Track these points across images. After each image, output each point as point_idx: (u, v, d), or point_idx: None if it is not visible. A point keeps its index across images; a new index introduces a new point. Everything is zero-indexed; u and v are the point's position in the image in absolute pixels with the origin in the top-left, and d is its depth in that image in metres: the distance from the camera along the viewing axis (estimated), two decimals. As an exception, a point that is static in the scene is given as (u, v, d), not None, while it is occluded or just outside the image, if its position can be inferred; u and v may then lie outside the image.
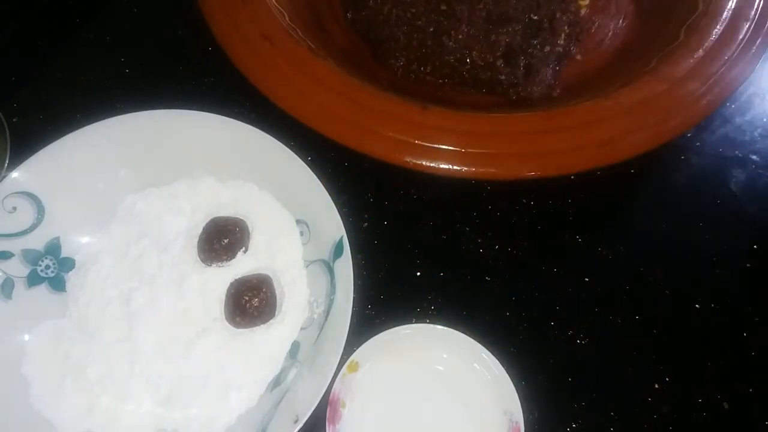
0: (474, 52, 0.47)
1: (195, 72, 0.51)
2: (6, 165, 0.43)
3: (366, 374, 0.39)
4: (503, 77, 0.47)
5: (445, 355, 0.39)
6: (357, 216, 0.44)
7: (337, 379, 0.37)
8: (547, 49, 0.48)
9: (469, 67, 0.47)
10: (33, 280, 0.40)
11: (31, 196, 0.40)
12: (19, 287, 0.39)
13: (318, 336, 0.37)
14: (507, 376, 0.38)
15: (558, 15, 0.49)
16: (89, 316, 0.39)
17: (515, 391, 0.37)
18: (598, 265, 0.44)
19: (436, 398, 0.39)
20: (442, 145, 0.39)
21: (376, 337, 0.39)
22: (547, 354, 0.41)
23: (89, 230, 0.42)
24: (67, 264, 0.41)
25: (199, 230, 0.40)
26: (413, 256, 0.43)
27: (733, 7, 0.44)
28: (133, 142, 0.42)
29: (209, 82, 0.50)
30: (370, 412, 0.38)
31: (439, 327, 0.39)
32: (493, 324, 0.41)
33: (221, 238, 0.39)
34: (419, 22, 0.49)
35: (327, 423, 0.37)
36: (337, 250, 0.38)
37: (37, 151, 0.40)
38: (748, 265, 0.44)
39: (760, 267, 0.44)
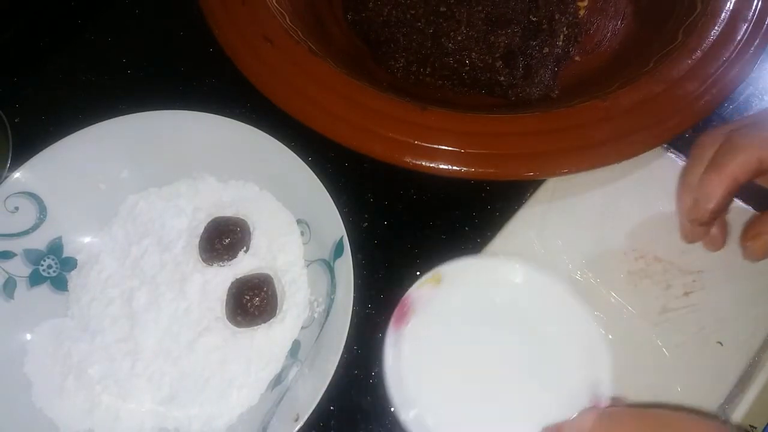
0: (473, 54, 0.47)
1: (196, 73, 0.51)
2: (8, 165, 0.44)
3: (446, 291, 0.36)
4: (502, 78, 0.47)
5: (537, 304, 0.36)
6: (357, 216, 0.44)
7: (415, 285, 0.35)
8: (546, 50, 0.48)
9: (468, 68, 0.48)
10: (35, 279, 0.40)
11: (33, 196, 0.40)
12: (21, 287, 0.39)
13: (318, 335, 0.38)
14: (605, 345, 0.34)
15: (557, 16, 0.49)
16: (91, 316, 0.39)
17: (611, 364, 0.33)
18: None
19: (512, 343, 0.35)
20: (442, 145, 0.39)
21: (469, 258, 0.36)
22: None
23: (91, 230, 0.42)
24: (69, 264, 0.41)
25: (201, 230, 0.41)
26: (413, 256, 0.44)
27: (731, 8, 0.45)
28: (135, 143, 0.42)
29: (210, 83, 0.51)
30: (437, 331, 0.35)
31: (547, 277, 0.36)
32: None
33: (222, 238, 0.40)
34: (419, 24, 0.49)
35: (392, 321, 0.34)
36: (338, 250, 0.38)
37: (38, 151, 0.40)
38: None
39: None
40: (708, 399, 0.37)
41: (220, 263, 0.40)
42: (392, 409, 0.34)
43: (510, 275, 0.36)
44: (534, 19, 0.49)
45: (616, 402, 0.34)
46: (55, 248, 0.41)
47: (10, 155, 0.45)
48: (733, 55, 0.43)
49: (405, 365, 0.35)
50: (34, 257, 0.40)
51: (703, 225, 0.38)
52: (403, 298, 0.35)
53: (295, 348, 0.39)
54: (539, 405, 0.34)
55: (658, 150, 0.44)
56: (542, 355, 0.35)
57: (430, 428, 0.33)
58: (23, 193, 0.40)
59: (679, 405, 0.36)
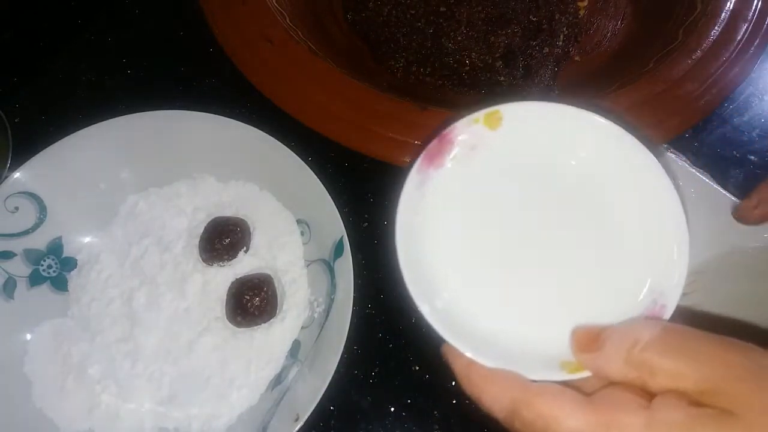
0: (473, 54, 0.47)
1: (196, 73, 0.51)
2: (8, 165, 0.44)
3: (503, 138, 0.28)
4: (502, 78, 0.47)
5: (617, 178, 0.27)
6: (357, 216, 0.44)
7: (463, 120, 0.28)
8: (546, 50, 0.48)
9: (468, 68, 0.48)
10: (35, 279, 0.40)
11: (33, 197, 0.40)
12: (21, 287, 0.39)
13: (318, 335, 0.38)
14: (684, 244, 0.25)
15: (557, 16, 0.49)
16: (91, 316, 0.39)
17: (684, 269, 0.25)
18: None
19: (570, 219, 0.27)
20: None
21: (542, 103, 0.28)
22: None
23: (91, 230, 0.42)
24: (69, 264, 0.41)
25: (201, 230, 0.41)
26: (413, 255, 0.44)
27: (731, 8, 0.44)
28: (135, 143, 0.42)
29: (210, 82, 0.51)
30: (479, 186, 0.28)
31: (640, 148, 0.27)
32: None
33: (222, 238, 0.40)
34: (419, 24, 0.49)
35: (422, 156, 0.27)
36: (338, 250, 0.38)
37: (39, 151, 0.40)
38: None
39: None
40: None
41: (220, 263, 0.40)
42: (397, 260, 0.26)
43: (592, 133, 0.28)
44: (534, 19, 0.49)
45: (679, 318, 0.25)
46: (55, 248, 0.41)
47: (10, 155, 0.45)
48: (733, 55, 0.43)
49: (427, 219, 0.27)
50: (34, 257, 0.40)
51: None
52: (445, 131, 0.27)
53: (295, 348, 0.39)
54: (585, 299, 0.26)
55: (657, 150, 0.44)
56: (604, 240, 0.27)
57: (437, 292, 0.26)
58: (23, 193, 0.40)
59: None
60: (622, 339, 0.23)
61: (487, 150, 0.28)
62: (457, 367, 0.25)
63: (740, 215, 0.35)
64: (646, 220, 0.27)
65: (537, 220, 0.28)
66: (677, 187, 0.26)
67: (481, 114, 0.28)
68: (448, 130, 0.28)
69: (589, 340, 0.24)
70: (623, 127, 0.28)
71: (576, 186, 0.28)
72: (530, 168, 0.28)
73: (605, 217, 0.27)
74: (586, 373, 0.24)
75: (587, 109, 0.28)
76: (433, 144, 0.27)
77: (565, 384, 0.24)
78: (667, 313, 0.25)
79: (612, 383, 0.23)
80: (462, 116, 0.28)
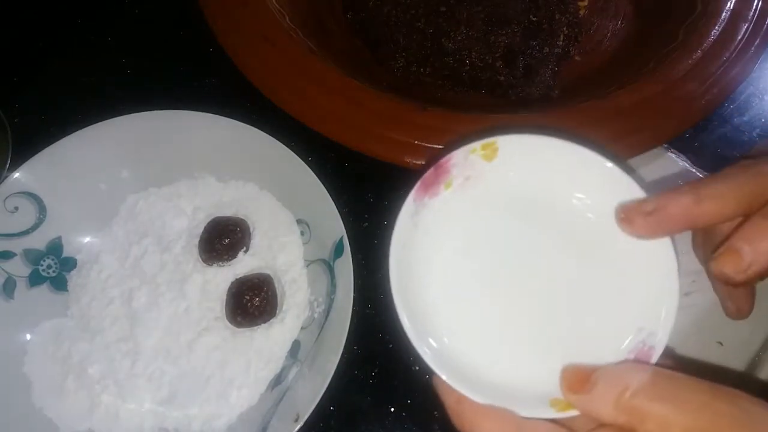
0: (473, 54, 0.47)
1: (196, 73, 0.51)
2: (8, 165, 0.44)
3: (497, 170, 0.28)
4: (502, 78, 0.47)
5: (603, 213, 0.27)
6: (357, 216, 0.44)
7: (460, 150, 0.27)
8: (546, 50, 0.48)
9: (468, 68, 0.48)
10: (35, 279, 0.40)
11: (33, 196, 0.40)
12: (21, 287, 0.39)
13: (318, 335, 0.38)
14: (675, 289, 0.25)
15: (557, 16, 0.49)
16: (91, 316, 0.39)
17: (675, 312, 0.25)
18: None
19: (565, 255, 0.27)
20: (442, 145, 0.39)
21: (541, 136, 0.27)
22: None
23: (91, 230, 0.42)
24: (69, 264, 0.41)
25: (201, 230, 0.41)
26: (413, 255, 0.44)
27: (731, 8, 0.44)
28: (135, 143, 0.42)
29: (210, 82, 0.51)
30: (473, 218, 0.28)
31: (635, 185, 0.27)
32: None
33: (222, 238, 0.40)
34: (418, 24, 0.49)
35: (418, 185, 0.27)
36: (338, 250, 0.38)
37: (38, 151, 0.40)
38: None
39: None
40: (708, 399, 0.37)
41: (220, 263, 0.40)
42: (390, 289, 0.26)
43: (588, 171, 0.27)
44: (534, 18, 0.49)
45: (666, 359, 0.26)
46: (55, 248, 0.41)
47: (10, 155, 0.45)
48: (734, 55, 0.43)
49: (421, 246, 0.27)
50: (34, 257, 0.40)
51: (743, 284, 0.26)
52: (441, 160, 0.27)
53: (295, 348, 0.39)
54: (570, 337, 0.26)
55: (658, 150, 0.44)
56: (595, 278, 0.27)
57: (431, 329, 0.26)
58: (23, 193, 0.40)
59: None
60: (612, 383, 0.23)
61: (481, 181, 0.28)
62: (449, 402, 0.26)
63: (624, 216, 0.26)
64: (638, 261, 0.26)
65: (529, 256, 0.28)
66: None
67: (478, 144, 0.28)
68: (444, 159, 0.27)
69: (578, 380, 0.24)
70: (621, 168, 0.27)
71: (569, 223, 0.28)
72: (524, 202, 0.28)
73: (597, 255, 0.27)
74: (575, 412, 0.24)
75: (584, 145, 0.27)
76: (430, 173, 0.27)
77: (555, 422, 0.24)
78: (656, 355, 0.25)
79: (602, 424, 0.24)
80: (459, 145, 0.28)
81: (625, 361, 0.25)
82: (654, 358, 0.25)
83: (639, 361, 0.25)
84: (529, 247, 0.28)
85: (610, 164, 0.27)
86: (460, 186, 0.28)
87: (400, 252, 0.27)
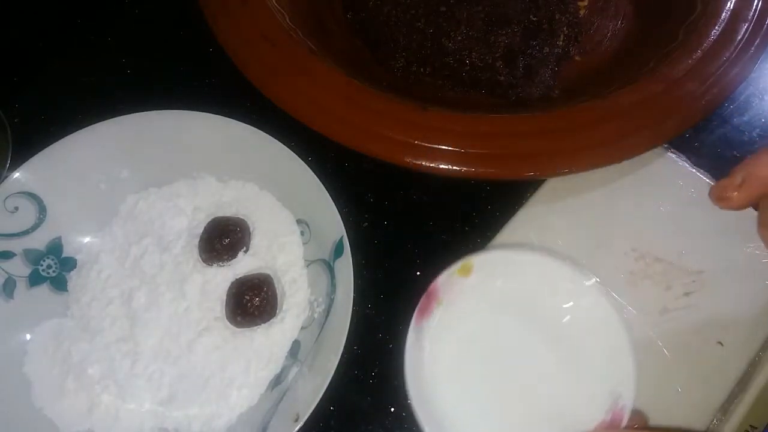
0: (473, 54, 0.47)
1: (196, 73, 0.51)
2: (8, 165, 0.44)
3: (475, 284, 0.34)
4: (502, 78, 0.47)
5: (571, 304, 0.35)
6: (357, 216, 0.44)
7: (443, 274, 0.34)
8: (546, 50, 0.48)
9: (468, 68, 0.48)
10: (34, 279, 0.40)
11: (33, 196, 0.40)
12: (21, 287, 0.39)
13: (318, 335, 0.38)
14: (631, 354, 0.32)
15: (557, 16, 0.49)
16: (91, 316, 0.39)
17: (635, 374, 0.32)
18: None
19: (539, 342, 0.34)
20: (442, 145, 0.39)
21: (504, 250, 0.35)
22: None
23: (91, 230, 0.42)
24: (69, 264, 0.41)
25: (201, 230, 0.41)
26: (413, 256, 0.44)
27: (731, 8, 0.44)
28: (135, 143, 0.42)
29: (210, 82, 0.51)
30: (462, 326, 0.34)
31: (584, 277, 0.34)
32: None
33: (222, 238, 0.40)
34: (419, 24, 0.49)
35: (416, 311, 0.33)
36: (338, 250, 0.38)
37: (38, 151, 0.40)
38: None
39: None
40: (708, 399, 0.37)
41: (220, 263, 0.40)
42: (409, 402, 0.33)
43: (546, 271, 0.35)
44: (534, 18, 0.49)
45: (636, 418, 0.33)
46: (55, 248, 0.41)
47: (10, 155, 0.45)
48: (734, 55, 0.43)
49: (426, 360, 0.34)
50: (34, 257, 0.40)
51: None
52: (429, 288, 0.33)
53: (295, 348, 0.39)
54: (559, 409, 0.33)
55: (658, 150, 0.44)
56: (567, 357, 0.34)
57: (446, 425, 0.33)
58: (23, 193, 0.40)
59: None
60: None
61: (464, 296, 0.34)
62: None
63: (718, 196, 0.31)
64: (604, 348, 0.33)
65: (514, 345, 0.34)
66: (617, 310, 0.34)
67: (457, 266, 0.34)
68: (432, 285, 0.34)
69: None
70: (584, 279, 0.34)
71: (546, 313, 0.35)
72: (504, 302, 0.35)
73: (571, 336, 0.34)
74: None
75: (548, 256, 0.35)
76: (422, 301, 0.33)
77: None
78: (627, 413, 0.31)
79: None
80: (442, 271, 0.34)
81: (604, 426, 0.32)
82: (626, 414, 0.31)
83: (614, 421, 0.31)
84: (512, 340, 0.34)
85: (569, 270, 0.34)
86: (449, 303, 0.34)
87: (411, 362, 0.33)
